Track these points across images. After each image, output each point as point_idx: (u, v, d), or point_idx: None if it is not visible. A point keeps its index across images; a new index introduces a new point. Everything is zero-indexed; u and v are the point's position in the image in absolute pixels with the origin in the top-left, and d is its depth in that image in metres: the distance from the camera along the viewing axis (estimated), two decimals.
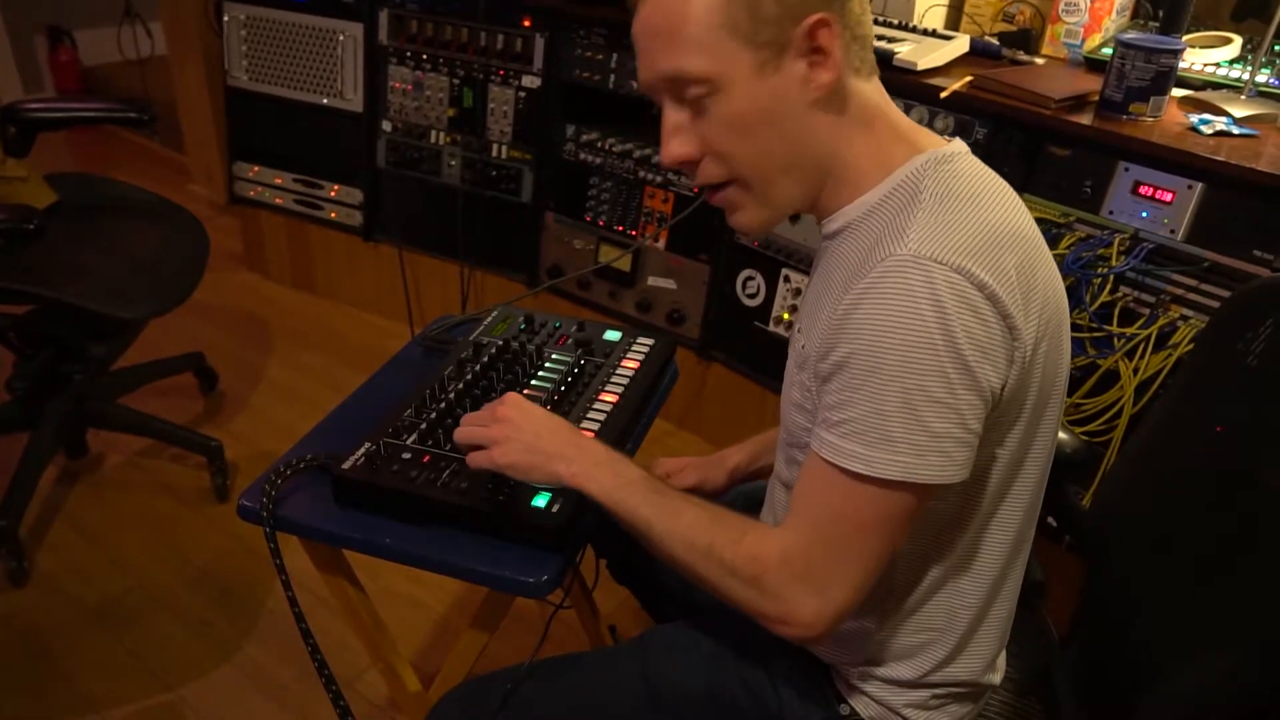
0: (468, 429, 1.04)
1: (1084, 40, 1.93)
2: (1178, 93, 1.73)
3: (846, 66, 0.88)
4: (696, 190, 0.93)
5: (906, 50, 1.86)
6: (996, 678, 1.06)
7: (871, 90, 0.92)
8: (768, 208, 0.93)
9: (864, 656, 1.00)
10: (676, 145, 0.90)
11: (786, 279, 2.13)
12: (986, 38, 2.04)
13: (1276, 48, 1.78)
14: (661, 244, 2.35)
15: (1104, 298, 1.63)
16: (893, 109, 0.94)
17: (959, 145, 0.92)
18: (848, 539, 0.85)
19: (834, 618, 0.87)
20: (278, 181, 2.91)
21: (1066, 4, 1.94)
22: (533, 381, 1.23)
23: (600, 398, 1.22)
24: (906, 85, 1.82)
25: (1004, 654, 1.09)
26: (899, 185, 0.89)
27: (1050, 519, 1.36)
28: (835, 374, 0.84)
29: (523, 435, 1.00)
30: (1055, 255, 1.34)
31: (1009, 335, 0.81)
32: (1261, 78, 1.74)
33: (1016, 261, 0.82)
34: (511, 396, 1.04)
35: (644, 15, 0.88)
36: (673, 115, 0.90)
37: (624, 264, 2.40)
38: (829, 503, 0.86)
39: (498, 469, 1.00)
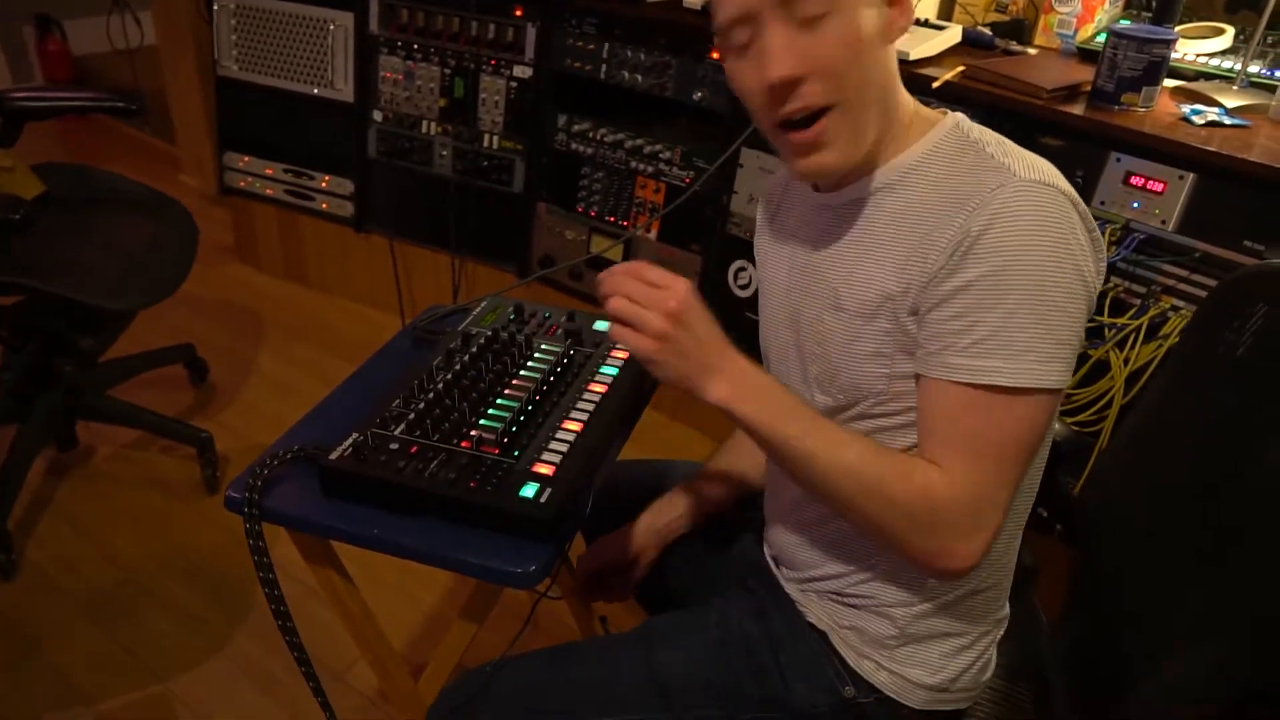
0: (626, 304, 0.91)
1: (1077, 30, 1.92)
2: (1170, 83, 1.73)
3: None
4: (791, 117, 0.90)
5: (899, 40, 1.86)
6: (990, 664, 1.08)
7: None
8: (854, 144, 0.91)
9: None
10: (788, 61, 0.86)
11: None
12: (979, 27, 2.03)
13: (1269, 38, 1.78)
14: (653, 235, 2.34)
15: None
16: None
17: (959, 114, 0.97)
18: (1005, 461, 0.88)
19: (986, 548, 0.89)
20: (268, 172, 2.90)
21: None
22: (522, 372, 1.23)
23: (589, 388, 1.22)
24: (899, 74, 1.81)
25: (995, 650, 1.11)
26: (942, 142, 0.93)
27: (1041, 509, 1.36)
28: (957, 296, 0.86)
29: (685, 340, 0.90)
30: None
31: (1094, 248, 0.89)
32: (1254, 68, 1.74)
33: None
34: (683, 289, 0.91)
35: None
36: (781, 33, 0.87)
37: (615, 254, 2.39)
38: (979, 428, 0.87)
39: (644, 358, 0.91)
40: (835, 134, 0.90)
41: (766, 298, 1.13)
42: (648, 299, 0.90)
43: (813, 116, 0.89)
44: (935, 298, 0.88)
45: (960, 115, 0.96)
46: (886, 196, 0.95)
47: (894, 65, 0.94)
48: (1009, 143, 0.92)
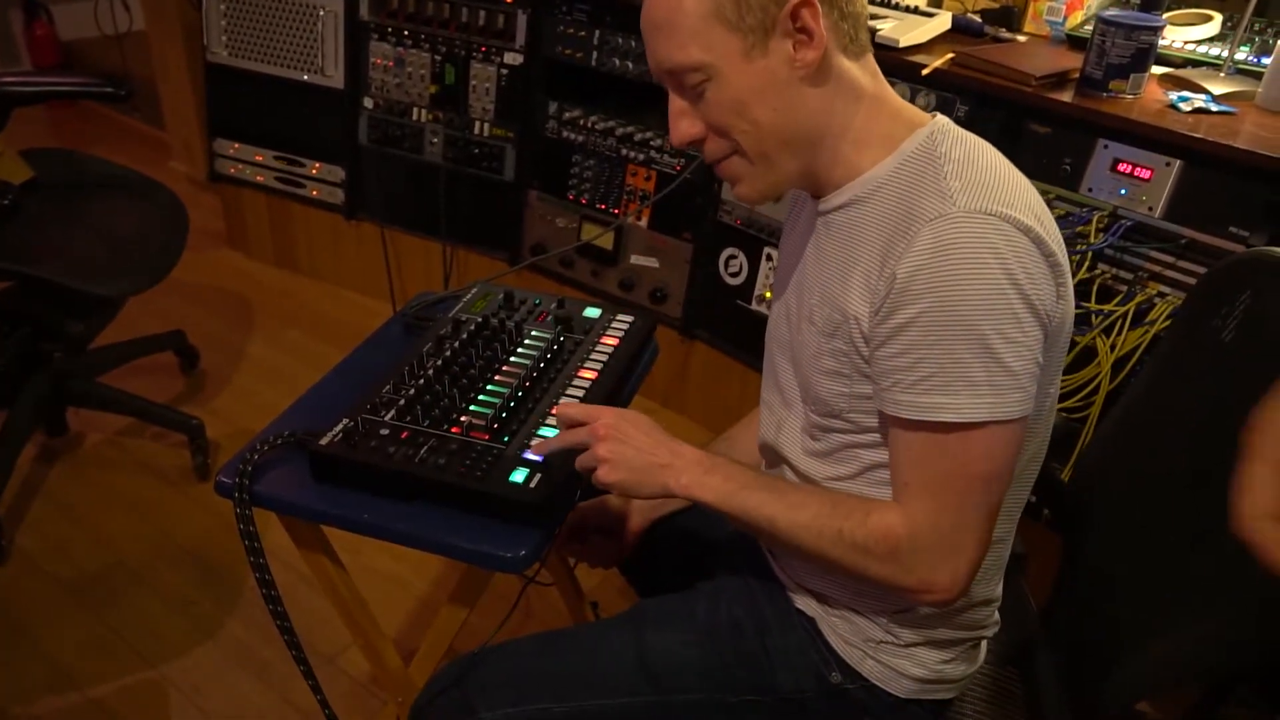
0: (583, 459, 1.00)
1: (1066, 17, 1.93)
2: (1158, 70, 1.73)
3: (834, 45, 0.91)
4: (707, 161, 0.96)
5: (889, 27, 1.86)
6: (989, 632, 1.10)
7: (863, 67, 0.95)
8: (767, 180, 0.97)
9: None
10: (683, 127, 0.96)
11: (769, 257, 2.13)
12: (969, 15, 2.03)
13: (1256, 25, 1.79)
14: (644, 222, 2.34)
15: (1082, 274, 1.63)
16: (885, 86, 0.97)
17: (944, 119, 0.96)
18: (965, 494, 0.89)
19: (969, 575, 0.91)
20: (259, 159, 2.89)
21: None
22: (512, 358, 1.23)
23: (579, 374, 1.22)
24: (888, 62, 1.80)
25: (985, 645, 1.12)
26: (911, 155, 0.92)
27: (1030, 495, 1.38)
28: (899, 334, 0.87)
29: (628, 450, 0.98)
30: None
31: (1053, 273, 0.87)
32: (1241, 55, 1.75)
33: (1042, 207, 0.89)
34: (607, 413, 1.01)
35: (646, 10, 0.93)
36: (677, 101, 0.96)
37: (606, 242, 2.39)
38: (935, 464, 0.89)
39: (606, 487, 0.99)
40: (741, 172, 0.97)
41: (774, 298, 1.14)
42: (580, 436, 1.00)
43: (723, 157, 0.98)
44: (881, 334, 0.89)
45: (940, 121, 0.94)
46: (859, 211, 0.95)
47: (811, 99, 0.92)
48: (977, 156, 0.90)
